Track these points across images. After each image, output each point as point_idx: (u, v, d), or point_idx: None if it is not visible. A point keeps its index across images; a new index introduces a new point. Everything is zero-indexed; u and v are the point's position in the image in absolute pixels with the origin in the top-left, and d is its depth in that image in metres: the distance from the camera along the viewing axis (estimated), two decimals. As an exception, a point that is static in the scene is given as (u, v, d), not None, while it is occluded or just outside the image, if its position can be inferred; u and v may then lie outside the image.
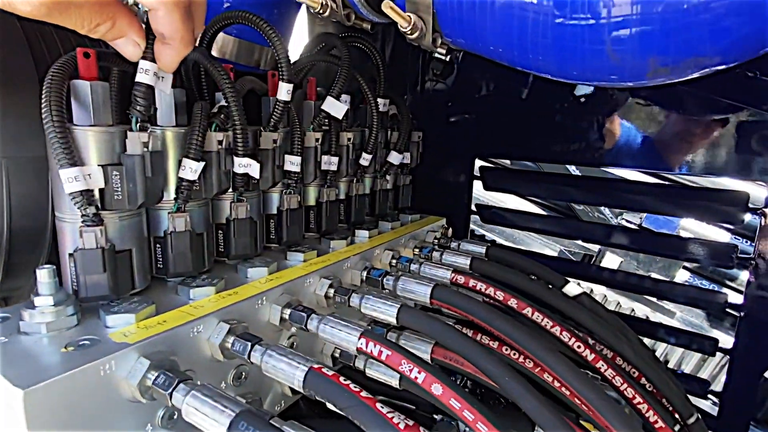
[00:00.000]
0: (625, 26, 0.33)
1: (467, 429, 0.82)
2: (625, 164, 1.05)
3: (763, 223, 0.88)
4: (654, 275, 1.73)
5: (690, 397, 1.11)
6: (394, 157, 1.02)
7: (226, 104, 0.59)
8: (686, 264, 2.29)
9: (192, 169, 0.56)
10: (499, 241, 2.22)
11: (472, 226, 1.41)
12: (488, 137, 1.22)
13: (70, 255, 0.49)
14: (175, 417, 0.48)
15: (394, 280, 0.75)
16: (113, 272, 0.50)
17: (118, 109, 0.52)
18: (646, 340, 1.84)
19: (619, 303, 2.17)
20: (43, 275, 0.46)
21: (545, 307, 0.78)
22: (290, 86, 0.66)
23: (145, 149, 0.51)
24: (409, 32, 0.63)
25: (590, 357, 0.71)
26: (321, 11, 0.70)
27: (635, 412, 0.72)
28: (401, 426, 0.40)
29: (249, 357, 0.50)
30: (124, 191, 0.50)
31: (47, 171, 0.57)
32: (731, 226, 1.88)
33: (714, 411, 1.00)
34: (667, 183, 1.64)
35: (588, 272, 1.25)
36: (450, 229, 1.17)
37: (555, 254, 2.43)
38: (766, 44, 0.34)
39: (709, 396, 1.05)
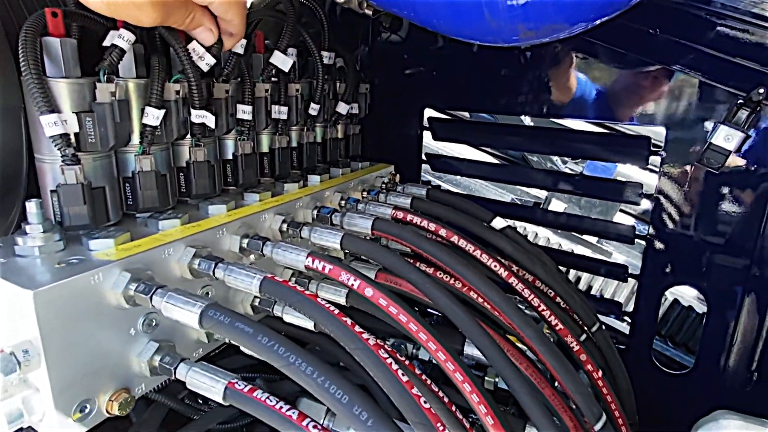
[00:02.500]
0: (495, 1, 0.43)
1: (413, 348, 0.95)
2: (568, 114, 1.15)
3: (662, 162, 1.03)
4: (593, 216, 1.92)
5: (608, 319, 1.29)
6: (342, 107, 1.11)
7: (178, 58, 0.66)
8: (623, 207, 2.52)
9: (154, 116, 0.63)
10: (452, 189, 2.36)
11: (425, 176, 1.51)
12: (439, 89, 1.29)
13: (53, 191, 0.57)
14: (153, 324, 0.58)
15: (341, 216, 0.86)
16: (91, 205, 0.58)
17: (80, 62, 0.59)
18: (572, 273, 2.05)
19: (560, 244, 2.38)
20: (32, 206, 0.54)
21: (474, 239, 0.91)
22: (243, 41, 0.73)
23: (113, 98, 0.58)
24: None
25: (512, 280, 0.85)
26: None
27: (547, 324, 0.87)
28: (335, 312, 0.51)
29: (214, 273, 0.60)
30: (96, 135, 0.58)
31: (19, 119, 0.63)
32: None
33: (626, 330, 1.18)
34: (606, 131, 1.76)
35: (535, 216, 1.39)
36: (398, 175, 1.28)
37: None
38: (605, 13, 0.45)
39: (625, 318, 1.23)
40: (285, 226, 0.79)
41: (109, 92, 0.57)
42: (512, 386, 0.60)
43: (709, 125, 0.96)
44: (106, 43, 0.59)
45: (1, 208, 0.69)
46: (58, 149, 0.55)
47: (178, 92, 0.67)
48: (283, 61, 0.85)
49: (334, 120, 1.11)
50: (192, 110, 0.69)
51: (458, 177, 2.45)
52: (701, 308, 1.63)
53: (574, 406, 0.71)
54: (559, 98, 1.15)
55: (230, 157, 0.85)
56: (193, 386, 0.54)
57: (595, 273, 1.26)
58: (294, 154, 1.01)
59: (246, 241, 0.70)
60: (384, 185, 1.16)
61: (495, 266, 0.85)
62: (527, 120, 1.96)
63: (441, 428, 0.46)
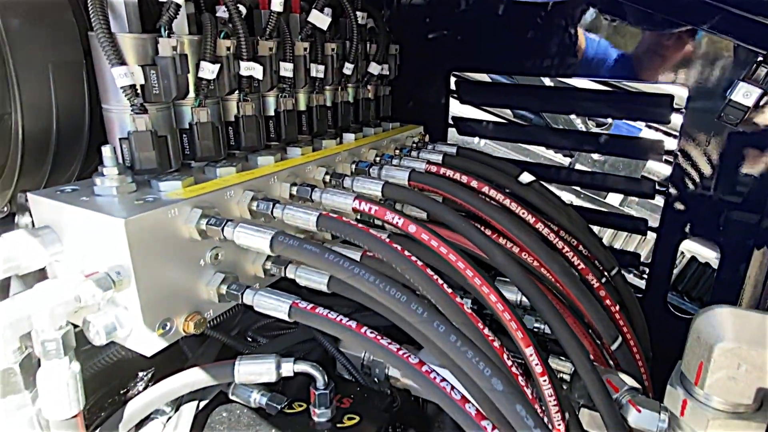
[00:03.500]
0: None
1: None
2: (592, 75, 1.17)
3: (683, 121, 1.05)
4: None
5: (627, 273, 1.32)
6: (374, 68, 1.14)
7: (229, 16, 0.70)
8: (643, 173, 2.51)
9: (209, 70, 0.68)
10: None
11: (451, 141, 1.53)
12: (465, 53, 1.29)
13: (123, 138, 0.63)
14: (219, 257, 0.64)
15: (378, 169, 0.91)
16: (158, 151, 0.64)
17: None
18: (596, 228, 2.07)
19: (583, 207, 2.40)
20: (107, 151, 0.59)
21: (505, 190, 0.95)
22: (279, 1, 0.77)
23: (174, 52, 0.63)
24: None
25: (539, 226, 0.89)
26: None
27: (570, 264, 0.91)
28: (393, 244, 0.56)
29: (272, 212, 0.66)
30: (160, 86, 0.63)
31: (80, 74, 0.68)
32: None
33: (643, 285, 1.22)
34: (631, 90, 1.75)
35: (560, 176, 1.42)
36: (427, 135, 1.32)
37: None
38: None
39: (642, 268, 1.26)
40: (327, 177, 0.85)
41: (171, 46, 0.62)
42: (546, 316, 0.66)
43: (728, 84, 0.97)
44: (164, -1, 0.63)
45: (65, 157, 0.75)
46: (128, 99, 0.60)
47: (228, 48, 0.72)
48: (321, 19, 0.88)
49: (365, 80, 1.14)
50: (241, 63, 0.74)
51: (481, 143, 2.47)
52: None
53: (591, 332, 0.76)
54: (584, 59, 1.16)
55: (272, 114, 0.89)
56: (260, 307, 0.61)
57: (617, 227, 1.29)
58: (329, 112, 1.05)
59: (295, 188, 0.76)
60: (415, 144, 1.20)
61: (524, 214, 0.89)
62: (546, 82, 1.97)
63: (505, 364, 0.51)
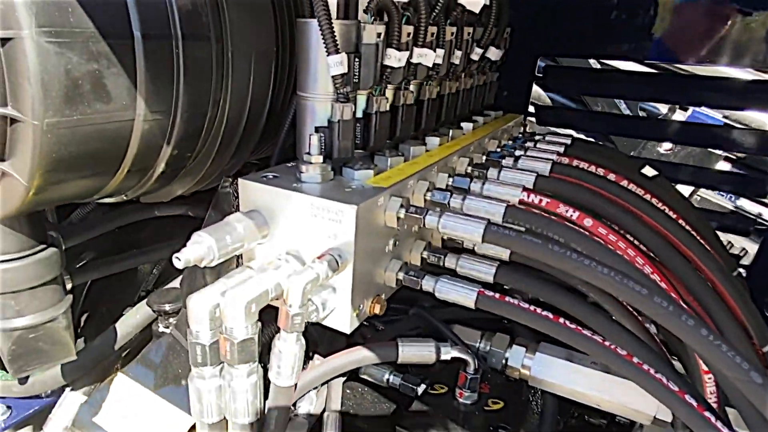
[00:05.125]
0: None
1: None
2: (701, 61, 1.09)
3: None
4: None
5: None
6: (493, 53, 1.12)
7: None
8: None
9: (396, 58, 0.69)
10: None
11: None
12: (554, 36, 1.22)
13: (319, 127, 0.65)
14: (397, 244, 0.67)
15: (513, 161, 0.92)
16: (351, 139, 0.66)
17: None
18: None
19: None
20: (314, 140, 0.62)
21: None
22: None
23: (378, 39, 0.64)
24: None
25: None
26: None
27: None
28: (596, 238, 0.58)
29: (449, 204, 0.68)
30: (360, 75, 0.64)
31: (270, 62, 0.70)
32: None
33: None
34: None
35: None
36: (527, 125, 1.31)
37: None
38: None
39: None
40: (470, 168, 0.86)
41: (376, 33, 0.63)
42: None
43: None
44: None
45: (246, 143, 0.78)
46: (337, 87, 0.62)
47: (409, 34, 0.73)
48: (473, 1, 0.86)
49: (479, 67, 1.12)
50: (415, 49, 0.74)
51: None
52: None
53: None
54: (694, 43, 1.10)
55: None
56: (443, 294, 0.64)
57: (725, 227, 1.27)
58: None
59: (451, 179, 0.77)
60: (522, 135, 1.20)
61: (663, 207, 0.89)
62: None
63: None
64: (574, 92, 1.72)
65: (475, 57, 1.03)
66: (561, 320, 0.57)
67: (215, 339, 0.54)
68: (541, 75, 1.33)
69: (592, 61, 1.82)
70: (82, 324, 1.27)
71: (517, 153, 1.01)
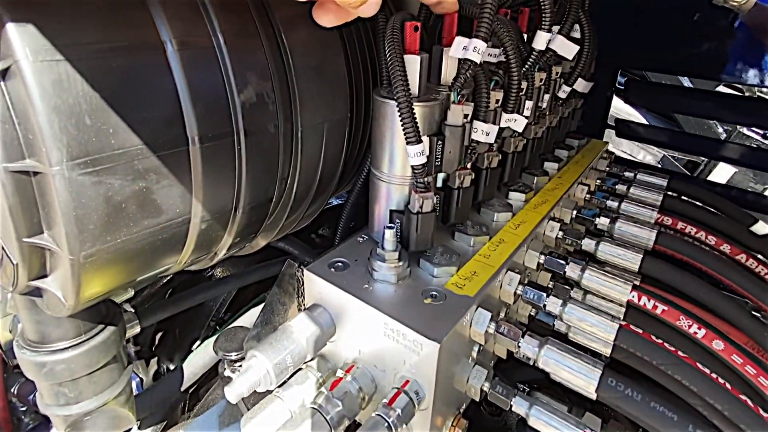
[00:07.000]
0: None
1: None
2: None
3: None
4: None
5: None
6: (581, 85, 0.99)
7: (506, 60, 0.60)
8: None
9: (484, 132, 0.59)
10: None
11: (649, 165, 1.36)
12: (638, 48, 1.14)
13: (398, 212, 0.56)
14: (481, 350, 0.58)
15: (609, 223, 0.80)
16: (433, 231, 0.57)
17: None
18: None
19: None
20: (390, 234, 0.53)
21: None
22: (549, 35, 0.65)
23: (465, 120, 0.54)
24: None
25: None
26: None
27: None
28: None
29: (544, 306, 0.57)
30: (443, 158, 0.55)
31: (344, 130, 0.62)
32: None
33: None
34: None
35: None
36: (613, 155, 1.16)
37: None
38: None
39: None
40: (560, 233, 0.74)
41: (463, 114, 0.53)
42: None
43: None
44: (452, 54, 0.54)
45: (311, 207, 0.70)
46: (419, 177, 0.53)
47: (498, 101, 0.62)
48: (567, 48, 0.75)
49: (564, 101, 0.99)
50: (504, 114, 0.64)
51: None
52: None
53: None
54: None
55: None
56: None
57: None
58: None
59: (543, 257, 0.66)
60: (608, 170, 1.06)
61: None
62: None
63: None
64: (659, 108, 1.57)
65: (562, 95, 0.90)
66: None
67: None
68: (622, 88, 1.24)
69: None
70: (156, 342, 1.27)
71: (609, 203, 0.89)
